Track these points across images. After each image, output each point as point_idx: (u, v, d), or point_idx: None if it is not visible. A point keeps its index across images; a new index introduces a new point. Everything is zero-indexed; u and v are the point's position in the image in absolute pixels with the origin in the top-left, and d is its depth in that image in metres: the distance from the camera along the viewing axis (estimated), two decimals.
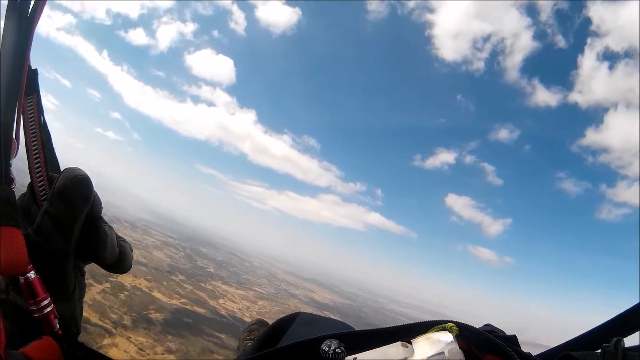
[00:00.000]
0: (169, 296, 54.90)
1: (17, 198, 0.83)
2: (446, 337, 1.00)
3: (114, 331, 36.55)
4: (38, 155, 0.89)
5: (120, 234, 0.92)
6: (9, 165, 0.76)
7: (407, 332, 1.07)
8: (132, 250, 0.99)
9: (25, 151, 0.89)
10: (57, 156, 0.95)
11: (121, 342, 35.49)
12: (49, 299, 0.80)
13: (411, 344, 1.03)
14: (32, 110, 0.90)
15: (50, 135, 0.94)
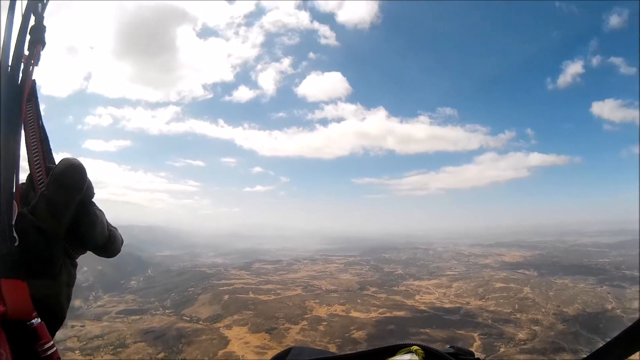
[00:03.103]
0: (367, 311, 56.19)
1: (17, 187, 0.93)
2: None
3: None
4: (37, 149, 0.96)
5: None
6: (12, 226, 0.84)
7: (374, 357, 1.09)
8: (122, 240, 1.05)
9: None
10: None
11: None
12: (52, 342, 0.85)
13: None
14: (31, 114, 1.00)
15: (47, 134, 1.03)
